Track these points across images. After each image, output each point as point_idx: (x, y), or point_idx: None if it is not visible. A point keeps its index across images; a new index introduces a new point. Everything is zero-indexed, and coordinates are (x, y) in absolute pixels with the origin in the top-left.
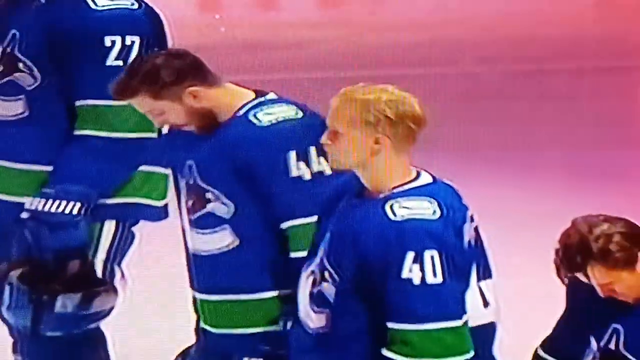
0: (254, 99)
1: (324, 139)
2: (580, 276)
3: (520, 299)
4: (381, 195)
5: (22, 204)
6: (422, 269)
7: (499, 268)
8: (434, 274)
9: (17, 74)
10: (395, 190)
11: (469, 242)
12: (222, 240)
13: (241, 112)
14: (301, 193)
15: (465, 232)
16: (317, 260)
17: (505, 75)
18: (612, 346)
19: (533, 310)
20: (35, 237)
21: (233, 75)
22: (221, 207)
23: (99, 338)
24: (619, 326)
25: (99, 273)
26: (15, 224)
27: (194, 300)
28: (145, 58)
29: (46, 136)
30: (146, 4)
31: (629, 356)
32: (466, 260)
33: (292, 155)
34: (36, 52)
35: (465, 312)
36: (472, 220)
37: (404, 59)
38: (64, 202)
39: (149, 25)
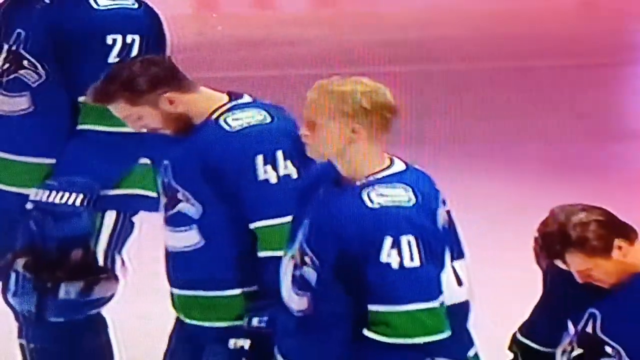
0: (227, 103)
1: (302, 130)
2: (559, 263)
3: (507, 289)
4: (358, 183)
5: (27, 195)
6: (400, 254)
7: (482, 258)
8: (412, 258)
9: (22, 71)
10: (371, 178)
11: (443, 225)
12: (189, 239)
13: (213, 116)
14: (268, 196)
15: (439, 216)
16: (297, 245)
17: (491, 72)
18: (589, 330)
19: (518, 300)
20: (39, 227)
21: (230, 71)
22: (190, 207)
23: (101, 323)
24: (595, 311)
25: (101, 261)
26: (20, 215)
27: (171, 293)
28: (122, 65)
29: (50, 130)
30: (146, 3)
31: (606, 339)
32: (440, 243)
33: (260, 159)
34: (40, 50)
35: (441, 293)
36: (444, 204)
37: (394, 56)
38: (67, 194)
39: (148, 24)
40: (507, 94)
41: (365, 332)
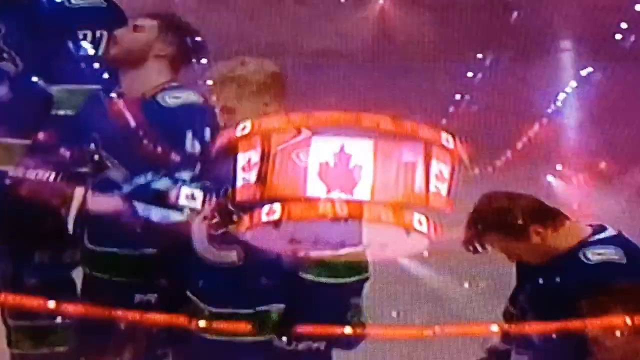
0: (169, 81)
1: (222, 118)
2: (479, 245)
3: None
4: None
5: (6, 172)
6: None
7: None
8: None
9: (1, 63)
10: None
11: None
12: (112, 201)
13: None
14: (192, 167)
15: None
16: (213, 205)
17: (409, 66)
18: (521, 299)
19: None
20: (17, 200)
21: None
22: (118, 174)
23: (69, 283)
24: (528, 285)
25: (70, 230)
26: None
27: (85, 249)
28: None
29: (26, 115)
30: (113, 2)
31: (526, 307)
32: None
33: (189, 134)
34: (19, 44)
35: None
36: None
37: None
38: (41, 171)
39: (115, 20)
40: (425, 86)
41: (302, 275)
